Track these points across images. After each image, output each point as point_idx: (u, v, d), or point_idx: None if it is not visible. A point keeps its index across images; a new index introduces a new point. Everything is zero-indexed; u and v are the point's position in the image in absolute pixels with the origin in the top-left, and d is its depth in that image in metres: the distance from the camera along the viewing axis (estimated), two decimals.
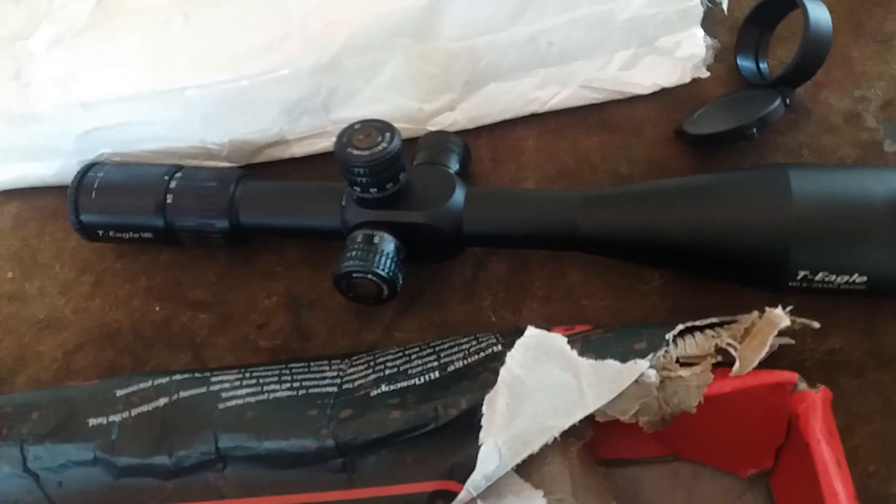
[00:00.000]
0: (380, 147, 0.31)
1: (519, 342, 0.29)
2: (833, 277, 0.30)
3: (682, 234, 0.32)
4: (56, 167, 0.39)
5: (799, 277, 0.30)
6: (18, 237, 0.41)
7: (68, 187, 0.36)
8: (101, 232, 0.37)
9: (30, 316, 0.39)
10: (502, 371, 0.28)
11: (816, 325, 0.29)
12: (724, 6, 0.38)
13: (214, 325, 0.38)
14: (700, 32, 0.38)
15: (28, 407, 0.31)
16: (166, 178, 0.36)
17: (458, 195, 0.34)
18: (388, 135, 0.32)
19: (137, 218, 0.36)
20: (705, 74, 0.38)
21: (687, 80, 0.38)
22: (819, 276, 0.30)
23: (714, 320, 0.29)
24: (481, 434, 0.27)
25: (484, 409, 0.28)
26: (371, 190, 0.33)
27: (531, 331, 0.29)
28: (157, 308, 0.38)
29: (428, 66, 0.37)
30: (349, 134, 0.32)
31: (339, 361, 0.33)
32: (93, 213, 0.36)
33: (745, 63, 0.38)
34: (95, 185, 0.36)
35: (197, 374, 0.32)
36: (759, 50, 0.38)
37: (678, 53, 0.38)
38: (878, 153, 0.36)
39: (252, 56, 0.35)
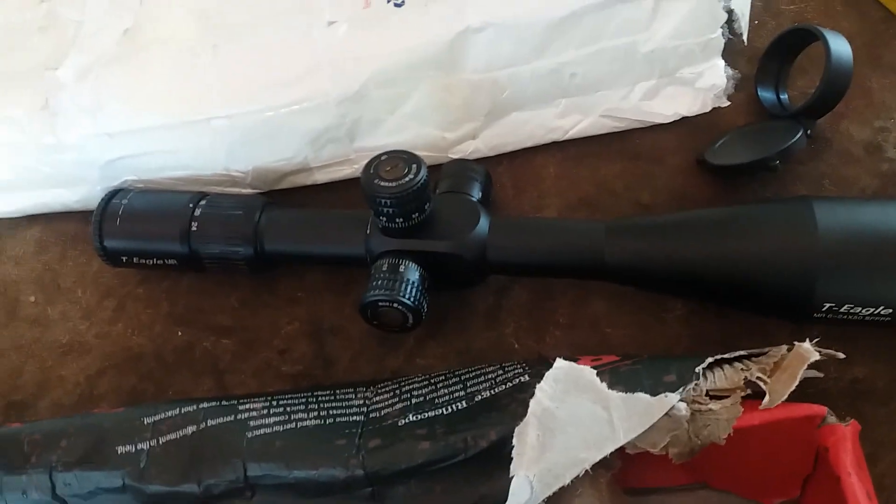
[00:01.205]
0: (406, 179, 0.32)
1: (548, 374, 0.29)
2: (858, 309, 0.30)
3: (708, 266, 0.32)
4: (80, 193, 0.39)
5: (824, 309, 0.31)
6: (41, 261, 0.41)
7: (93, 213, 0.37)
8: (124, 258, 0.37)
9: (52, 340, 0.39)
10: (532, 403, 0.28)
11: (842, 355, 0.29)
12: (745, 37, 0.39)
13: (237, 350, 0.38)
14: (721, 63, 0.38)
15: (57, 434, 0.31)
16: (191, 205, 0.36)
17: (483, 224, 0.34)
18: (414, 166, 0.32)
19: (162, 244, 0.36)
20: (725, 104, 0.39)
21: (707, 109, 0.39)
22: (844, 308, 0.30)
23: (742, 353, 0.29)
24: (512, 466, 0.27)
25: (514, 441, 0.28)
26: (397, 220, 0.33)
27: (560, 363, 0.29)
28: (180, 333, 0.39)
29: (451, 97, 0.37)
30: (376, 165, 0.32)
31: (364, 389, 0.33)
32: (117, 239, 0.37)
33: (766, 94, 0.39)
34: (120, 212, 0.36)
35: (224, 402, 0.32)
36: (780, 81, 0.39)
37: (699, 84, 0.38)
38: None
39: (279, 88, 0.36)
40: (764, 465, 0.30)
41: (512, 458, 0.28)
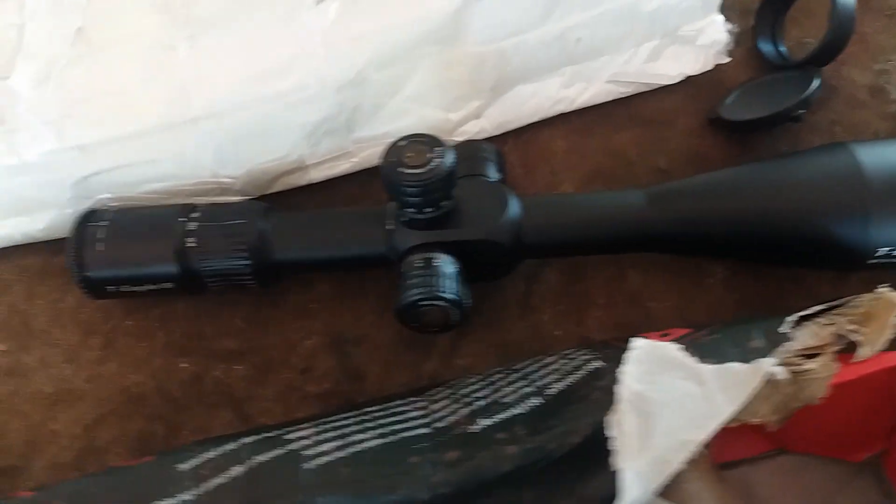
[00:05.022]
0: (434, 163, 0.29)
1: (630, 356, 0.27)
2: None
3: (757, 223, 0.31)
4: (46, 220, 0.34)
5: (878, 254, 0.30)
6: (4, 304, 0.35)
7: (67, 241, 0.32)
8: (110, 287, 0.33)
9: (34, 391, 0.34)
10: (621, 389, 0.26)
11: None
12: None
13: (252, 375, 0.34)
14: (720, 18, 0.37)
15: (82, 499, 0.27)
16: (181, 219, 0.32)
17: (514, 206, 0.32)
18: (438, 149, 0.29)
19: (155, 267, 0.32)
20: (726, 60, 0.38)
21: (710, 67, 0.38)
22: None
23: (822, 307, 0.28)
24: (615, 460, 0.25)
25: (611, 432, 0.26)
26: (426, 210, 0.30)
27: (639, 342, 0.27)
28: (184, 365, 0.34)
29: (455, 73, 0.34)
30: (396, 153, 0.30)
31: (415, 399, 0.31)
32: (101, 267, 0.32)
33: (766, 46, 0.38)
34: (101, 236, 0.32)
35: (266, 434, 0.29)
36: (776, 32, 0.38)
37: (700, 41, 0.37)
38: None
39: (269, 78, 0.32)
40: (847, 422, 0.30)
41: (611, 452, 0.26)
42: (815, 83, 0.34)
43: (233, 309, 0.35)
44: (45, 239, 0.35)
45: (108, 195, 0.34)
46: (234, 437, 0.29)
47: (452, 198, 0.31)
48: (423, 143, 0.30)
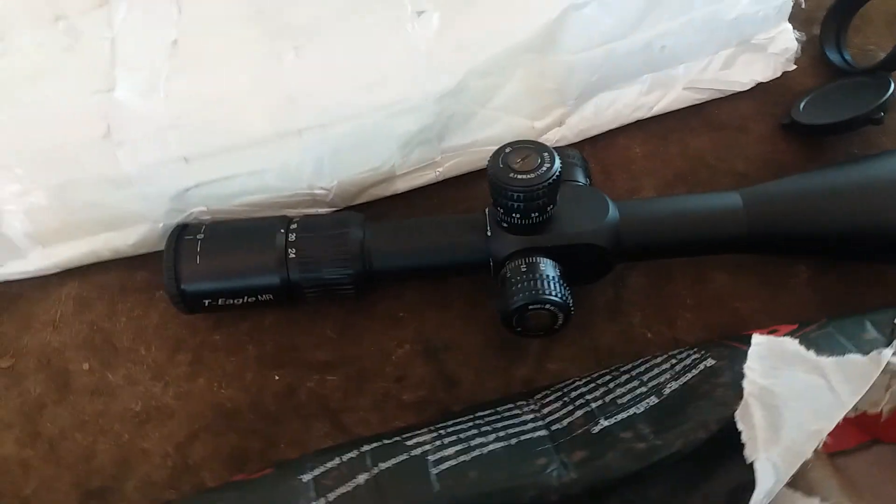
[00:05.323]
0: (543, 169, 0.29)
1: (751, 353, 0.27)
2: None
3: (849, 223, 0.32)
4: (137, 235, 0.34)
5: None
6: (85, 322, 0.35)
7: (164, 255, 0.32)
8: (207, 301, 0.32)
9: (122, 410, 0.33)
10: (746, 385, 0.27)
11: None
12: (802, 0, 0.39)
13: (347, 385, 0.34)
14: (789, 27, 0.38)
15: None
16: (283, 230, 0.32)
17: (612, 210, 0.32)
18: (546, 155, 0.30)
19: (256, 279, 0.32)
20: (793, 67, 0.39)
21: (779, 74, 0.39)
22: None
23: None
24: (746, 452, 0.26)
25: (740, 426, 0.26)
26: (532, 215, 0.31)
27: (759, 338, 0.28)
28: (277, 377, 0.34)
29: (545, 82, 0.35)
30: (503, 159, 0.30)
31: (525, 403, 0.31)
32: (198, 280, 0.32)
33: (832, 53, 0.39)
34: (199, 249, 0.32)
35: (387, 441, 0.29)
36: (841, 40, 0.39)
37: (771, 49, 0.38)
38: None
39: (374, 89, 0.32)
40: None
41: (738, 446, 0.26)
42: (893, 87, 0.35)
43: (323, 320, 0.35)
44: (132, 254, 0.35)
45: (203, 208, 0.34)
46: (354, 444, 0.29)
47: (557, 203, 0.31)
48: (530, 149, 0.30)
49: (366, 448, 0.28)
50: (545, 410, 0.30)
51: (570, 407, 0.30)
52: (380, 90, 0.32)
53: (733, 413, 0.26)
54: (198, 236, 0.32)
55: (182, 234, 0.32)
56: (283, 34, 0.32)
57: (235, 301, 0.32)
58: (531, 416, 0.30)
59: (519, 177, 0.29)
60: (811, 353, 0.27)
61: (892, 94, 0.35)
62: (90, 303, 0.35)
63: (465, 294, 0.36)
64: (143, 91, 0.31)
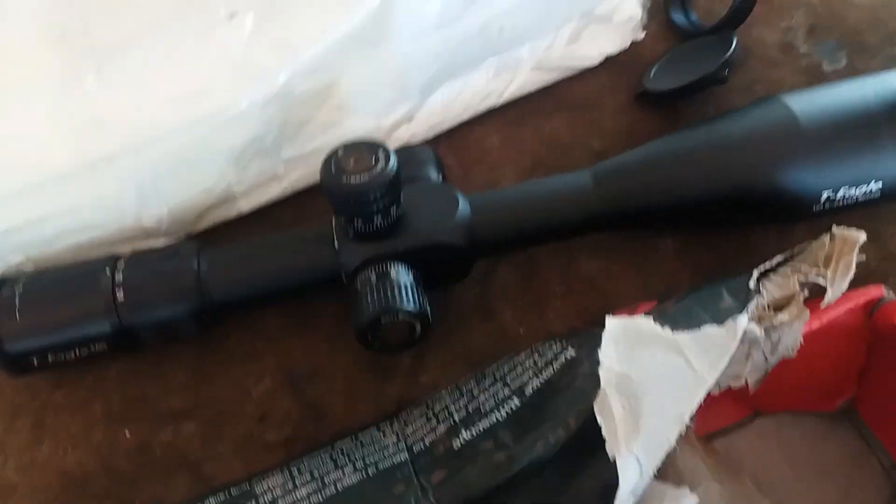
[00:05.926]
0: (378, 167, 0.27)
1: (605, 336, 0.26)
2: (853, 191, 0.30)
3: (703, 187, 0.30)
4: None
5: (823, 199, 0.30)
6: None
7: None
8: (35, 359, 0.29)
9: None
10: (601, 372, 0.25)
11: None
12: None
13: (205, 432, 0.31)
14: None
15: None
16: (108, 271, 0.29)
17: (463, 205, 0.31)
18: (380, 151, 0.28)
19: (83, 328, 0.29)
20: (642, 35, 0.38)
21: (628, 44, 0.38)
22: (840, 194, 0.30)
23: (781, 258, 0.28)
24: (608, 447, 0.24)
25: (599, 419, 0.25)
26: (376, 219, 0.29)
27: (612, 321, 0.26)
28: (128, 433, 0.31)
29: (382, 76, 0.33)
30: (335, 162, 0.28)
31: (388, 424, 0.29)
32: (21, 338, 0.29)
33: (678, 16, 0.38)
34: (18, 304, 0.29)
35: (233, 491, 0.26)
36: (686, 1, 0.39)
37: (616, 18, 0.37)
38: (821, 75, 0.38)
39: (189, 101, 0.29)
40: (818, 372, 0.29)
41: (603, 441, 0.24)
42: (735, 44, 0.34)
43: (172, 363, 0.33)
44: None
45: (22, 257, 0.31)
46: (198, 499, 0.26)
47: (401, 202, 0.29)
48: (361, 148, 0.28)
49: (211, 501, 0.26)
50: (408, 430, 0.28)
51: (434, 422, 0.28)
52: (195, 103, 0.30)
53: (593, 406, 0.25)
54: (16, 290, 0.29)
55: None
56: (85, 55, 0.29)
57: (65, 356, 0.30)
58: (393, 438, 0.28)
59: (353, 180, 0.27)
60: (667, 331, 0.26)
61: (734, 51, 0.34)
62: None
63: (330, 313, 0.34)
64: None
